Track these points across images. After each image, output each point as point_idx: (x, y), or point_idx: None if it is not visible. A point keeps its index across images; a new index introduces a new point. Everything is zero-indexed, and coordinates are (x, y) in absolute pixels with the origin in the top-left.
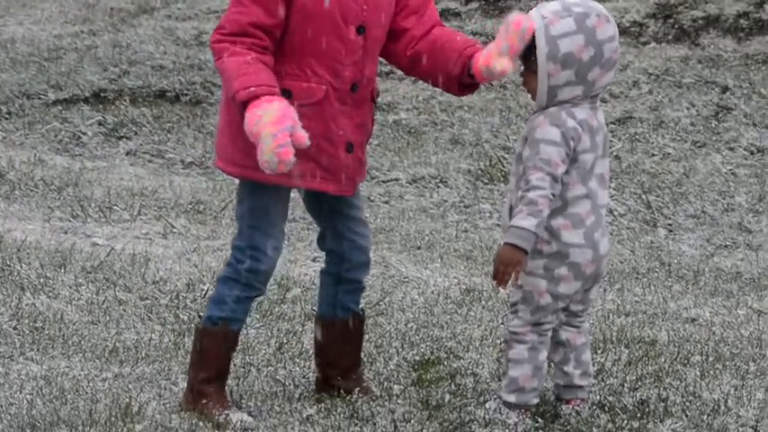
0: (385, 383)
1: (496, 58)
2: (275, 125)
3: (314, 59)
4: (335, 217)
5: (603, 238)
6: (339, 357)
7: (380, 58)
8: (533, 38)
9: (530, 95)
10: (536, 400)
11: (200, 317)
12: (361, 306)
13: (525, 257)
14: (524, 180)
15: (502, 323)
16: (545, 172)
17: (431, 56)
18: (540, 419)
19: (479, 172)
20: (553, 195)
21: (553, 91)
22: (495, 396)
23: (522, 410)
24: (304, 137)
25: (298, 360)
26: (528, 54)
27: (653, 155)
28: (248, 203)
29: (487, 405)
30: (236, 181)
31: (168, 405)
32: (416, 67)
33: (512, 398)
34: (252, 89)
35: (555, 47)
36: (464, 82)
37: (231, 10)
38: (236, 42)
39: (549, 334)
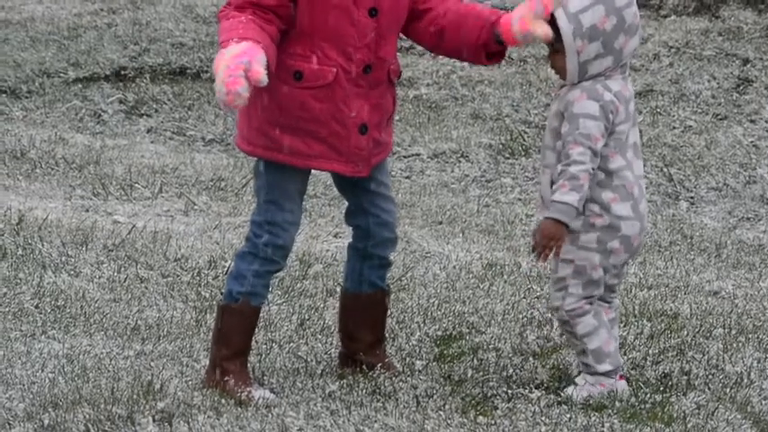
0: (407, 359)
1: (534, 23)
2: (233, 58)
3: (325, 42)
4: (360, 193)
5: (646, 210)
6: (363, 332)
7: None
8: (553, 18)
9: (556, 74)
10: (623, 359)
11: (222, 293)
12: (386, 282)
13: (566, 232)
14: (564, 154)
15: (524, 297)
16: (585, 146)
17: (455, 30)
18: (562, 393)
19: (500, 146)
20: (593, 170)
21: (584, 67)
22: (583, 373)
23: (620, 375)
24: (260, 73)
25: (320, 336)
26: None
27: (674, 128)
28: (264, 179)
29: (570, 390)
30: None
31: (190, 382)
32: (442, 44)
33: (607, 366)
34: (234, 39)
35: (578, 23)
36: (491, 50)
37: None
38: (236, 11)
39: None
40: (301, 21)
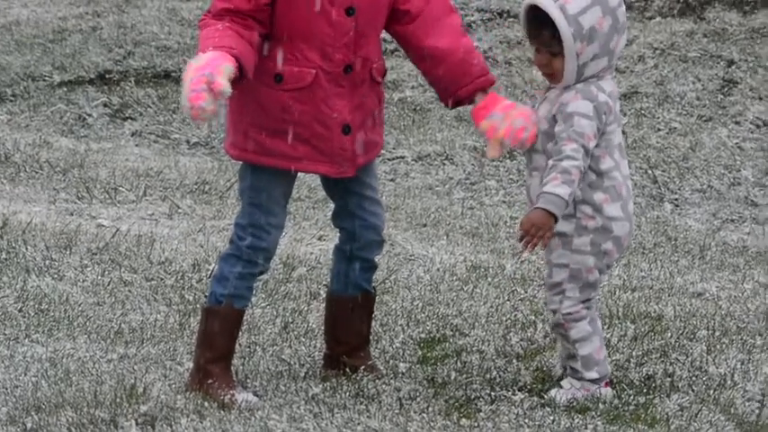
0: (391, 361)
1: (494, 142)
2: (196, 70)
3: (303, 43)
4: (347, 195)
5: (632, 210)
6: (348, 335)
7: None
8: (548, 18)
9: (547, 76)
10: (611, 368)
11: (206, 297)
12: (372, 285)
13: (554, 224)
14: (556, 150)
15: (508, 300)
16: (579, 144)
17: (443, 70)
18: (545, 395)
19: (485, 149)
20: (584, 168)
21: (582, 69)
22: (569, 377)
23: (605, 382)
24: (221, 85)
25: (303, 339)
26: (541, 36)
27: (659, 129)
28: (249, 181)
29: (554, 392)
30: None
31: (173, 386)
32: (425, 69)
33: (594, 374)
34: (209, 48)
35: (578, 25)
36: (461, 104)
37: None
38: (214, 19)
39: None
40: (279, 23)
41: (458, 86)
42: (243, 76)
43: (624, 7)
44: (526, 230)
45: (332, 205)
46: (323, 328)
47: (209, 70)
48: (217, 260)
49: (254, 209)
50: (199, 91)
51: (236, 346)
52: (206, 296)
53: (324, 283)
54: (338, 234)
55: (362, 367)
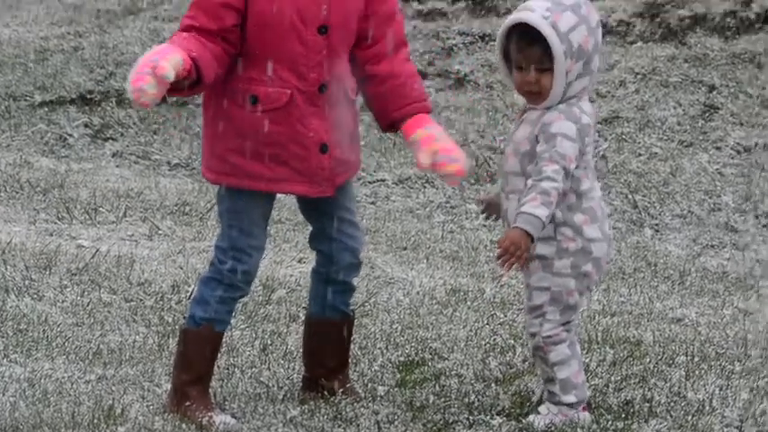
0: (369, 384)
1: (429, 150)
2: (143, 59)
3: (277, 63)
4: (324, 218)
5: (609, 231)
6: (326, 357)
7: None
8: (541, 35)
9: (529, 95)
10: (589, 392)
11: (185, 318)
12: (351, 307)
13: (531, 245)
14: (536, 171)
15: (487, 324)
16: (560, 165)
17: (384, 89)
18: (523, 420)
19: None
20: (562, 190)
21: (567, 87)
22: (546, 401)
23: (583, 407)
24: (164, 69)
25: (282, 362)
26: (531, 52)
27: (639, 154)
28: (227, 204)
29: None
30: None
31: (152, 407)
32: (366, 89)
33: (572, 398)
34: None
35: (569, 43)
36: (394, 126)
37: (186, 13)
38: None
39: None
40: (252, 44)
41: (394, 108)
42: (200, 80)
43: (601, 28)
44: (504, 249)
45: (311, 227)
46: (301, 350)
47: (157, 56)
48: (196, 282)
49: (234, 232)
50: (142, 74)
51: (215, 368)
52: (185, 317)
53: (303, 305)
54: (315, 257)
55: (341, 390)
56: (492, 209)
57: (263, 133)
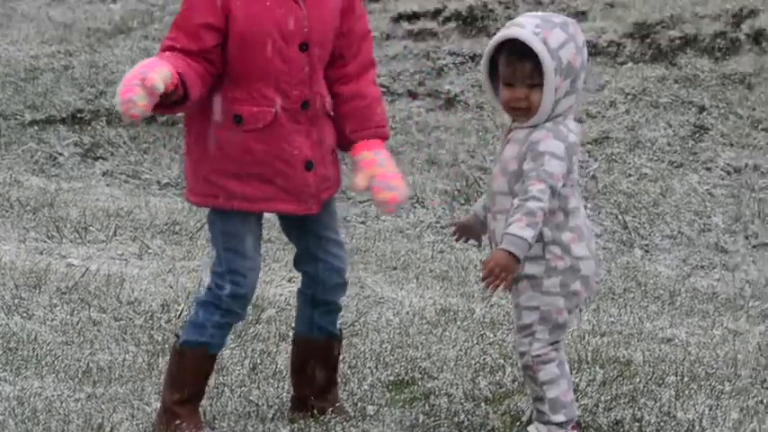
0: (359, 404)
1: (367, 174)
2: (131, 71)
3: (260, 83)
4: (308, 238)
5: (594, 248)
6: (315, 377)
7: None
8: (531, 51)
9: (517, 112)
10: (578, 412)
11: (177, 336)
12: (338, 327)
13: (516, 266)
14: (522, 189)
15: (477, 343)
16: (547, 184)
17: (347, 109)
18: None
19: (456, 192)
20: (548, 210)
21: (555, 105)
22: (536, 421)
23: (572, 426)
24: (153, 79)
25: (272, 381)
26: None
27: (629, 175)
28: (220, 228)
29: None
30: None
31: (141, 426)
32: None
33: (561, 417)
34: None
35: (558, 59)
36: (350, 146)
37: (166, 35)
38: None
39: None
40: (234, 64)
41: (354, 129)
42: (186, 96)
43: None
44: (490, 270)
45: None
46: (290, 370)
47: (145, 69)
48: (186, 300)
49: (230, 254)
50: (131, 85)
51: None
52: (177, 335)
53: (292, 324)
54: (301, 278)
55: (330, 409)
56: (465, 232)
57: (249, 153)
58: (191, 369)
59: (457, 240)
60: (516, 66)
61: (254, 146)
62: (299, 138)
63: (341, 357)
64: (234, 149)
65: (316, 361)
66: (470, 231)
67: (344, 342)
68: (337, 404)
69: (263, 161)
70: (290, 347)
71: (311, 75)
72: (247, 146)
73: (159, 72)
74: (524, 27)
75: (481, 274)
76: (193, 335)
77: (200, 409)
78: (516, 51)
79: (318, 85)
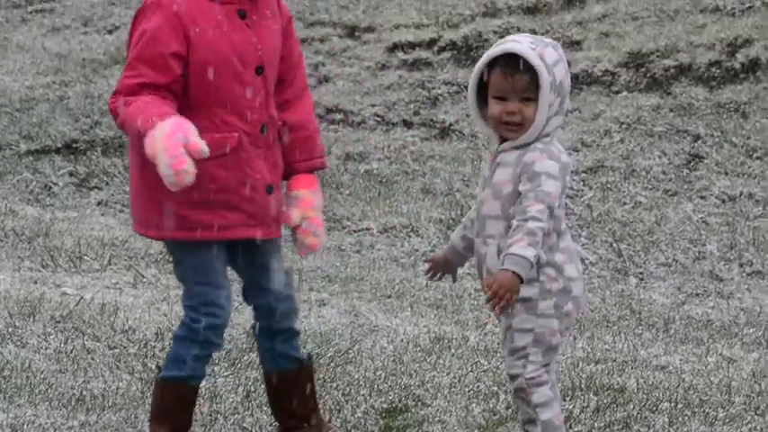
0: (352, 431)
1: (302, 212)
2: (167, 138)
3: (221, 109)
4: (255, 270)
5: (581, 269)
6: (294, 407)
7: None
8: (529, 65)
9: (509, 127)
10: None
11: (159, 369)
12: (302, 352)
13: (520, 286)
14: (520, 210)
15: (471, 371)
16: (546, 204)
17: (289, 139)
18: None
19: (450, 221)
20: (547, 230)
21: (546, 122)
22: None
23: None
24: (199, 144)
25: (265, 408)
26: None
27: (624, 203)
28: (189, 261)
29: None
30: None
31: None
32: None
33: None
34: (154, 119)
35: (553, 75)
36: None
37: (124, 74)
38: (130, 98)
39: None
40: (195, 92)
41: (297, 159)
42: None
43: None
44: (494, 292)
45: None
46: (270, 406)
47: (181, 133)
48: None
49: (203, 287)
50: (179, 155)
51: (198, 414)
52: (159, 368)
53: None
54: (253, 313)
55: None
56: (439, 268)
57: (214, 181)
58: (174, 402)
59: (431, 278)
60: (514, 78)
61: (219, 173)
62: (260, 162)
63: (334, 384)
64: (199, 179)
65: (290, 390)
66: (445, 266)
67: (338, 369)
68: (325, 424)
69: (228, 188)
70: (264, 385)
71: (266, 98)
72: (212, 174)
73: (193, 131)
74: (521, 43)
75: (485, 297)
76: (173, 370)
77: None
78: (513, 65)
79: (272, 108)
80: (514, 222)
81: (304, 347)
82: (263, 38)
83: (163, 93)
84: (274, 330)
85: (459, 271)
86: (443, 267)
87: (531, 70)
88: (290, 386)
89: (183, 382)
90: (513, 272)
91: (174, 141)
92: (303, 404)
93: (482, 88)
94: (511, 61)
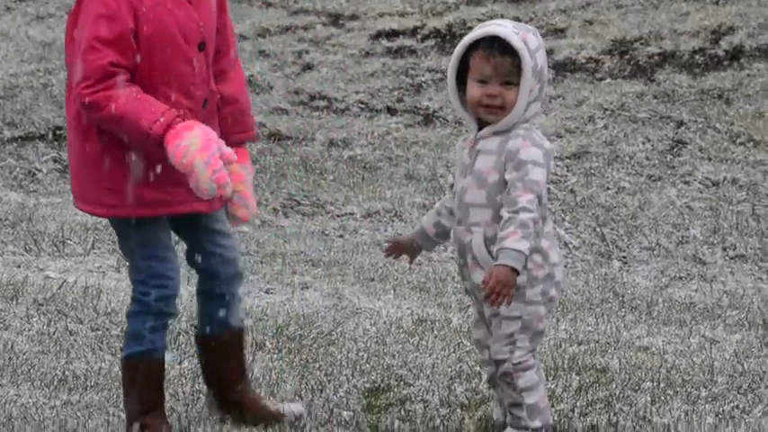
0: (334, 410)
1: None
2: (203, 152)
3: (166, 87)
4: (199, 234)
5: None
6: (223, 373)
7: None
8: (512, 49)
9: (490, 110)
10: (554, 417)
11: (122, 350)
12: (241, 320)
13: (516, 279)
14: (510, 201)
15: (453, 352)
16: (535, 194)
17: (225, 112)
18: None
19: (433, 206)
20: (537, 219)
21: (527, 108)
22: (510, 426)
23: (546, 431)
24: (231, 153)
25: None
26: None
27: (608, 189)
28: (135, 237)
29: None
30: None
31: None
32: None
33: (537, 423)
34: (161, 120)
35: (535, 61)
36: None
37: (88, 59)
38: (110, 87)
39: None
40: (141, 70)
41: (231, 132)
42: None
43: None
44: (492, 288)
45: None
46: (202, 374)
47: (215, 144)
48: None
49: (150, 261)
50: (220, 170)
51: (180, 393)
52: (122, 350)
53: (270, 334)
54: (198, 276)
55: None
56: (399, 249)
57: (161, 158)
58: (142, 379)
59: (387, 256)
60: (497, 61)
61: (163, 150)
62: None
63: (317, 365)
64: (144, 156)
65: (225, 356)
66: (406, 250)
67: (321, 350)
68: (251, 396)
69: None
70: (197, 350)
71: (208, 73)
72: (158, 151)
73: (221, 141)
74: (505, 26)
75: (483, 294)
76: (133, 346)
77: (175, 414)
78: (496, 48)
79: (212, 82)
80: (505, 214)
81: (287, 329)
82: (204, 13)
83: (127, 74)
84: (215, 294)
85: (443, 255)
86: (405, 250)
87: (513, 54)
88: (220, 352)
89: (146, 356)
90: (509, 266)
91: (211, 155)
92: (231, 371)
93: (461, 72)
94: (494, 44)
